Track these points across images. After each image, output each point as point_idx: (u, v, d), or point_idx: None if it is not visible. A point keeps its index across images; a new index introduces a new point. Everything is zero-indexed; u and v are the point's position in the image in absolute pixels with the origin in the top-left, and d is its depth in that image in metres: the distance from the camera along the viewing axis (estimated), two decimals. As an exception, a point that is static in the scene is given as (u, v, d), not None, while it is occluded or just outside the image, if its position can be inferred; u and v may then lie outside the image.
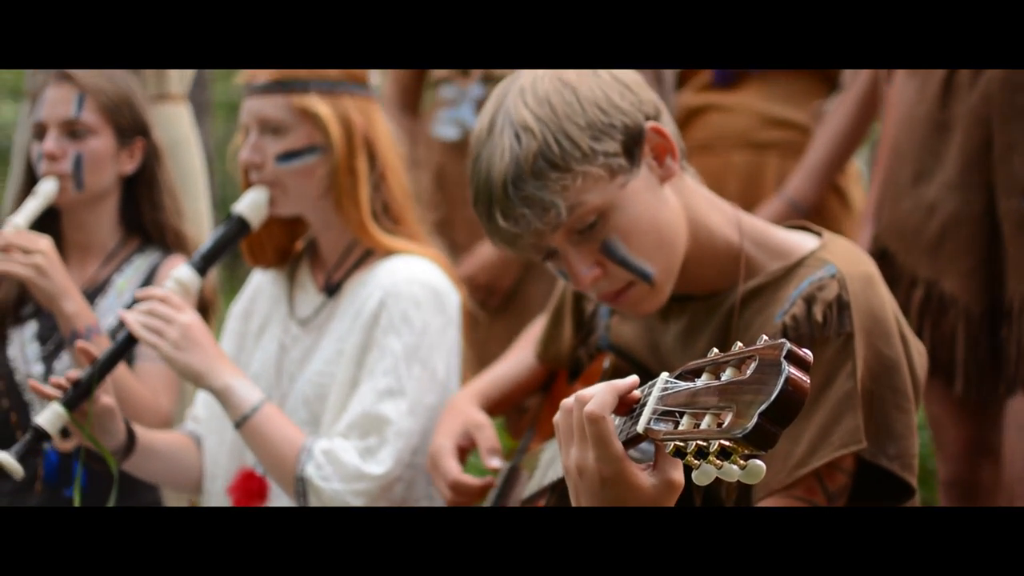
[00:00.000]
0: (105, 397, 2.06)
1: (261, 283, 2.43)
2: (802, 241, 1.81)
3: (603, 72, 1.74)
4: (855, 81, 2.82)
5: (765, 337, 1.23)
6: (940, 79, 2.44)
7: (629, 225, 1.71)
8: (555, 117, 1.68)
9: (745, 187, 2.84)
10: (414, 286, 2.18)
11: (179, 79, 3.30)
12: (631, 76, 1.77)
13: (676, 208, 1.76)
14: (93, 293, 2.62)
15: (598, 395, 1.43)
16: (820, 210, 2.80)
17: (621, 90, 1.73)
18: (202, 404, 2.38)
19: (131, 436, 2.14)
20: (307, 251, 2.39)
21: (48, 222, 2.61)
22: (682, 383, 1.33)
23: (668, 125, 1.78)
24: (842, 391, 1.68)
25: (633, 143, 1.72)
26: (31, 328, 2.63)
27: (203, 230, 3.20)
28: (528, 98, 1.71)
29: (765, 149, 2.89)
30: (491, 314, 3.03)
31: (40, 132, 2.61)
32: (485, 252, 2.99)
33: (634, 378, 1.44)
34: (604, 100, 1.71)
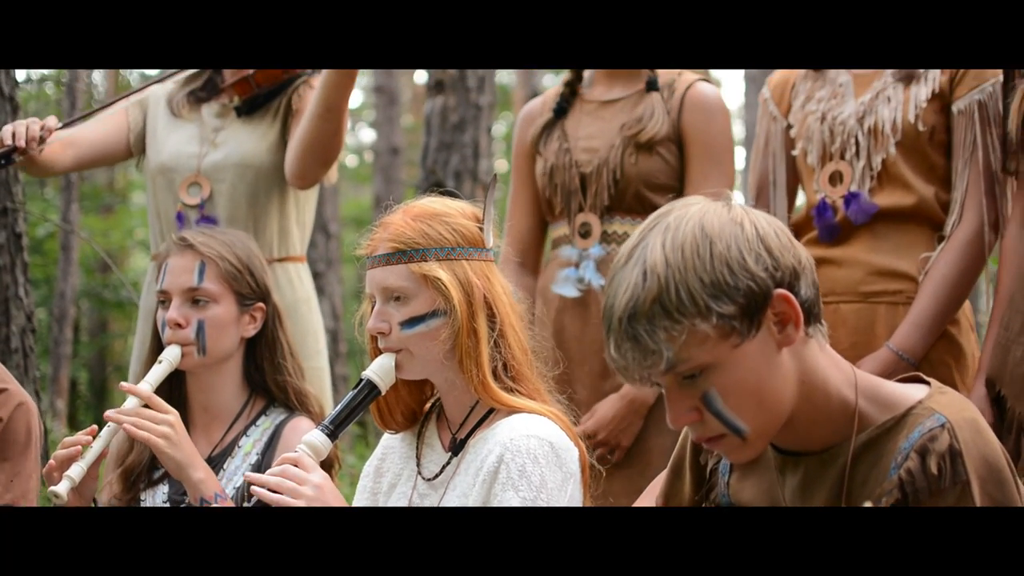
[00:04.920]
0: None
1: (391, 441, 2.48)
2: (910, 391, 1.80)
3: (750, 226, 1.72)
4: (958, 230, 2.75)
5: (868, 503, 1.23)
6: None
7: (732, 386, 1.71)
8: (682, 267, 1.68)
9: (856, 338, 2.80)
10: (532, 441, 2.20)
11: (300, 242, 3.40)
12: (777, 239, 1.74)
13: (788, 374, 1.75)
14: (220, 456, 2.66)
15: None
16: (931, 361, 2.73)
17: (759, 253, 1.70)
18: None
19: None
20: (434, 411, 2.44)
21: (175, 384, 2.69)
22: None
23: (809, 288, 1.75)
24: None
25: (756, 308, 1.70)
26: (162, 491, 2.68)
27: (324, 388, 3.26)
28: (668, 238, 1.70)
29: (874, 300, 2.85)
30: (613, 469, 3.02)
31: (165, 299, 2.70)
32: (607, 409, 3.01)
33: None
34: (736, 261, 1.69)
